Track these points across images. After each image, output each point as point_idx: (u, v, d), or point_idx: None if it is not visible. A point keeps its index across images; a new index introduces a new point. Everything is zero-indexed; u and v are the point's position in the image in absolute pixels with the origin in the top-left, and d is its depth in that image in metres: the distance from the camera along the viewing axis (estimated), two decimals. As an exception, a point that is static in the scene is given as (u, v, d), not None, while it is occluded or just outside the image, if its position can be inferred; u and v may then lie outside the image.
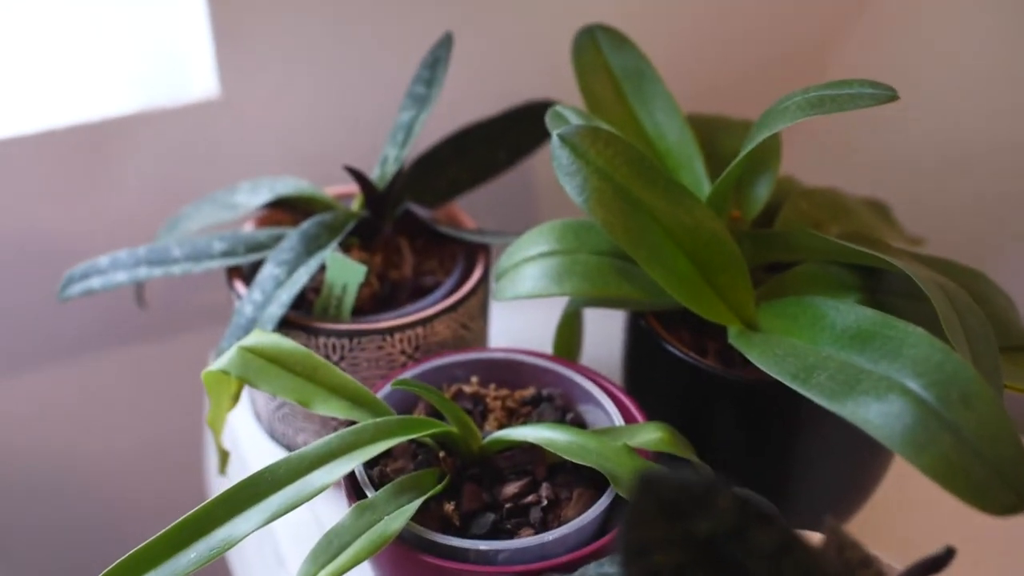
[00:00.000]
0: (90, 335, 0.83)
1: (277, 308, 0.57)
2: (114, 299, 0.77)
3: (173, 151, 0.76)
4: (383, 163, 0.64)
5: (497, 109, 0.71)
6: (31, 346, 0.80)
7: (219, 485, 0.76)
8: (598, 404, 0.55)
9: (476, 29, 0.76)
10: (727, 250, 0.52)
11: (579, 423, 0.55)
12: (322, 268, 0.59)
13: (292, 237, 0.60)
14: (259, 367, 0.53)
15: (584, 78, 0.61)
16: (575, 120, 0.56)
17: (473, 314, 0.62)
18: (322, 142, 0.79)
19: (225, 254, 0.62)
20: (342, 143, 0.78)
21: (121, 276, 0.62)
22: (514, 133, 0.70)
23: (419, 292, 0.63)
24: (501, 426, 0.55)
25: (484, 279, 0.63)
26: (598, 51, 0.62)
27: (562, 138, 0.51)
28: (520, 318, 0.77)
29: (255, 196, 0.68)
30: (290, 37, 0.74)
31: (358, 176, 0.61)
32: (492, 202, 0.86)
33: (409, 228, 0.66)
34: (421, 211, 0.66)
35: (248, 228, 0.67)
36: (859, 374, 0.44)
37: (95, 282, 0.62)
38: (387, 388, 0.55)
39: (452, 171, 0.68)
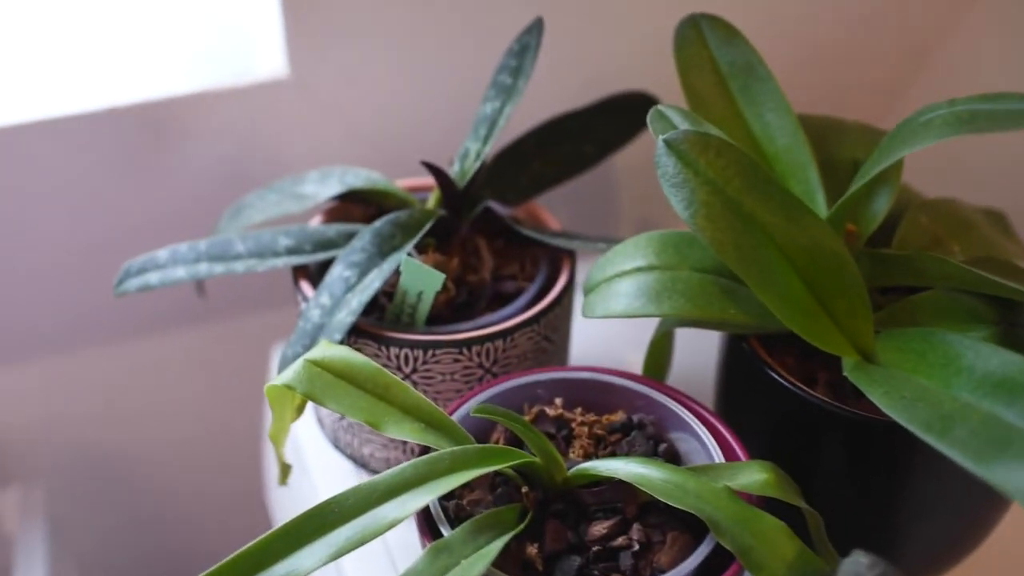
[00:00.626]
0: (148, 317, 0.79)
1: (347, 315, 0.53)
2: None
3: (238, 133, 0.72)
4: (463, 158, 0.59)
5: (582, 101, 0.66)
6: (90, 329, 0.78)
7: (280, 493, 0.72)
8: (694, 434, 0.50)
9: (565, 15, 0.71)
10: (847, 274, 0.47)
11: (672, 454, 0.51)
12: (396, 271, 0.54)
13: (364, 236, 0.56)
14: (327, 383, 0.49)
15: (687, 73, 0.56)
16: (680, 122, 0.50)
17: (556, 326, 0.57)
18: (395, 130, 0.74)
19: (291, 251, 0.58)
20: (417, 132, 0.74)
21: (180, 272, 0.58)
22: (602, 127, 0.65)
23: (498, 298, 0.58)
24: (587, 455, 0.50)
25: (569, 287, 0.58)
26: (703, 44, 0.56)
27: (669, 145, 0.46)
28: (602, 330, 0.72)
29: (324, 187, 0.63)
30: (366, 14, 0.69)
31: (437, 172, 0.57)
32: (568, 196, 0.81)
33: (488, 227, 0.61)
34: (502, 210, 0.61)
35: (316, 222, 0.63)
36: (1009, 432, 0.38)
37: (153, 277, 0.58)
38: (464, 410, 0.51)
39: (536, 166, 0.63)
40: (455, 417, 0.50)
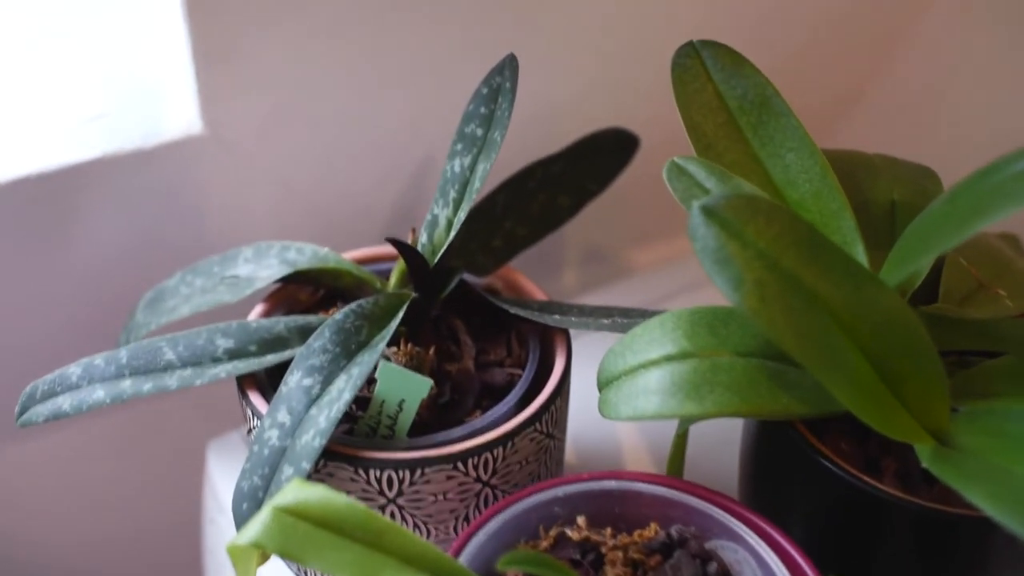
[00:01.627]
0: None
1: (315, 437, 0.43)
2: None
3: (148, 203, 0.62)
4: (430, 226, 0.50)
5: (549, 145, 0.57)
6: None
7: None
8: (745, 545, 0.42)
9: (525, 47, 0.62)
10: (922, 349, 0.40)
11: (724, 574, 0.42)
12: (370, 376, 0.45)
13: (324, 333, 0.46)
14: (305, 536, 0.39)
15: (689, 111, 0.48)
16: (705, 178, 0.42)
17: (558, 419, 0.49)
18: (335, 190, 0.65)
19: (233, 355, 0.48)
20: (361, 192, 0.64)
21: (99, 393, 0.47)
22: (577, 173, 0.57)
23: (486, 391, 0.49)
24: (625, 587, 0.42)
25: (568, 370, 0.49)
26: (707, 76, 0.48)
27: (708, 212, 0.38)
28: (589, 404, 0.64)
29: (261, 267, 0.53)
30: (293, 55, 0.59)
31: (405, 249, 0.47)
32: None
33: (461, 304, 0.52)
34: (477, 282, 0.52)
35: (257, 314, 0.53)
36: None
37: (65, 402, 0.47)
38: (474, 548, 0.41)
39: (507, 226, 0.55)
40: (464, 559, 0.41)
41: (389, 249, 0.56)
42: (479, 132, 0.49)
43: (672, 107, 0.47)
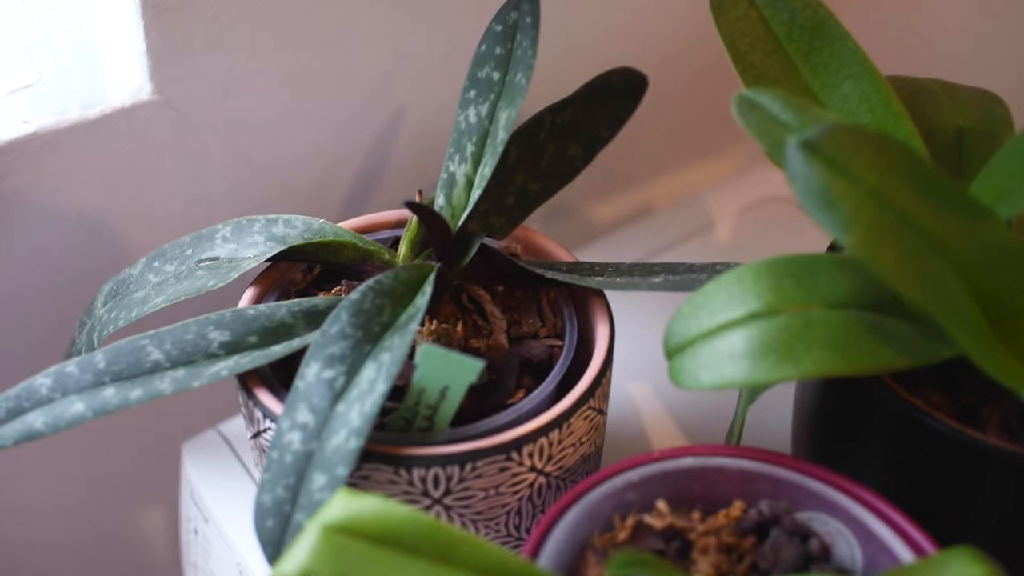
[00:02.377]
0: None
1: (350, 438, 0.37)
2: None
3: (90, 182, 0.54)
4: (446, 186, 0.44)
5: (556, 90, 0.52)
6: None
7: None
8: (845, 517, 0.38)
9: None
10: (1035, 286, 0.36)
11: (824, 549, 0.38)
12: (405, 360, 0.39)
13: (340, 317, 0.40)
14: (362, 558, 0.33)
15: (733, 39, 0.43)
16: (781, 111, 0.37)
17: (607, 392, 0.44)
18: (293, 154, 0.58)
19: (231, 349, 0.42)
20: (333, 152, 0.57)
21: (78, 407, 0.40)
22: (587, 119, 0.51)
23: (525, 368, 0.44)
24: (722, 575, 0.37)
25: (613, 336, 0.44)
26: (748, 1, 0.43)
27: (809, 148, 0.33)
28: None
29: (243, 246, 0.47)
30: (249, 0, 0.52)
31: (428, 214, 0.41)
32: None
33: (479, 271, 0.46)
34: (495, 245, 0.46)
35: (248, 299, 0.46)
36: None
37: (37, 420, 0.40)
38: (552, 549, 0.36)
39: (518, 181, 0.49)
40: (545, 561, 0.36)
41: (386, 216, 0.50)
42: (495, 75, 0.43)
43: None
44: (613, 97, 0.51)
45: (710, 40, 0.44)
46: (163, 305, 0.46)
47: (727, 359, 0.37)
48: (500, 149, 0.42)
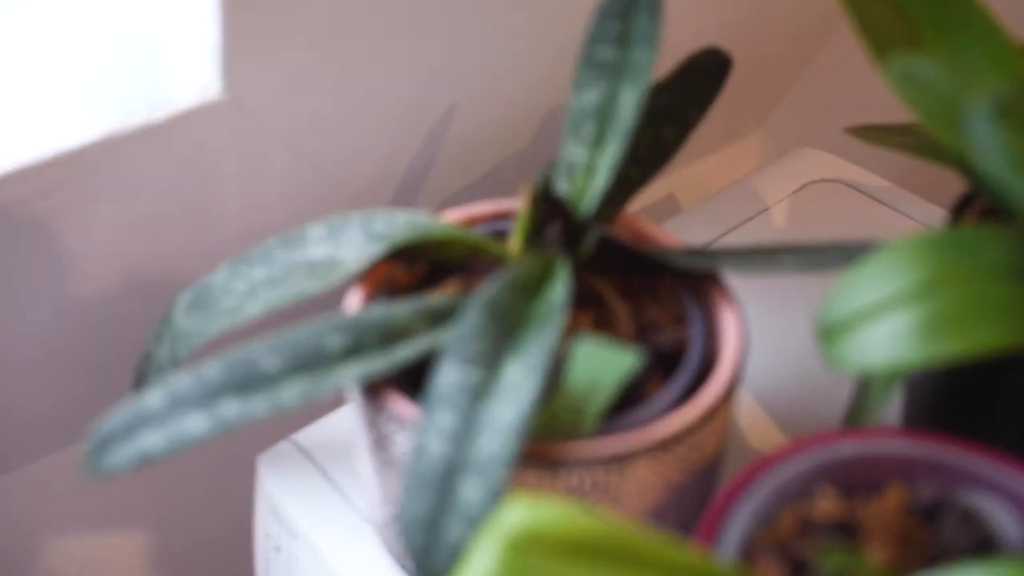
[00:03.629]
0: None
1: (499, 441, 0.35)
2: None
3: (156, 189, 0.51)
4: (568, 173, 0.42)
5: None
6: None
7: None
8: (1012, 497, 0.37)
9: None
10: None
11: (987, 534, 0.37)
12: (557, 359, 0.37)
13: (472, 315, 0.38)
14: (550, 570, 0.31)
15: (855, 2, 0.41)
16: (942, 78, 0.36)
17: (737, 379, 0.42)
18: (347, 152, 0.55)
19: (352, 353, 0.39)
20: (407, 155, 0.55)
21: (198, 422, 0.38)
22: (677, 102, 0.49)
23: (657, 360, 0.42)
24: (898, 565, 0.35)
25: (742, 320, 0.42)
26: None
27: (998, 115, 0.31)
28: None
29: (343, 246, 0.44)
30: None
31: (555, 204, 0.39)
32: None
33: (594, 262, 0.44)
34: (611, 235, 0.44)
35: (356, 302, 0.44)
36: None
37: (154, 440, 0.38)
38: (732, 543, 0.34)
39: (621, 167, 0.47)
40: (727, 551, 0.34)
41: (482, 209, 0.48)
42: (609, 55, 0.41)
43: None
44: (701, 78, 0.50)
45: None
46: (259, 313, 0.43)
47: (896, 339, 0.35)
48: (627, 132, 0.40)
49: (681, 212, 0.72)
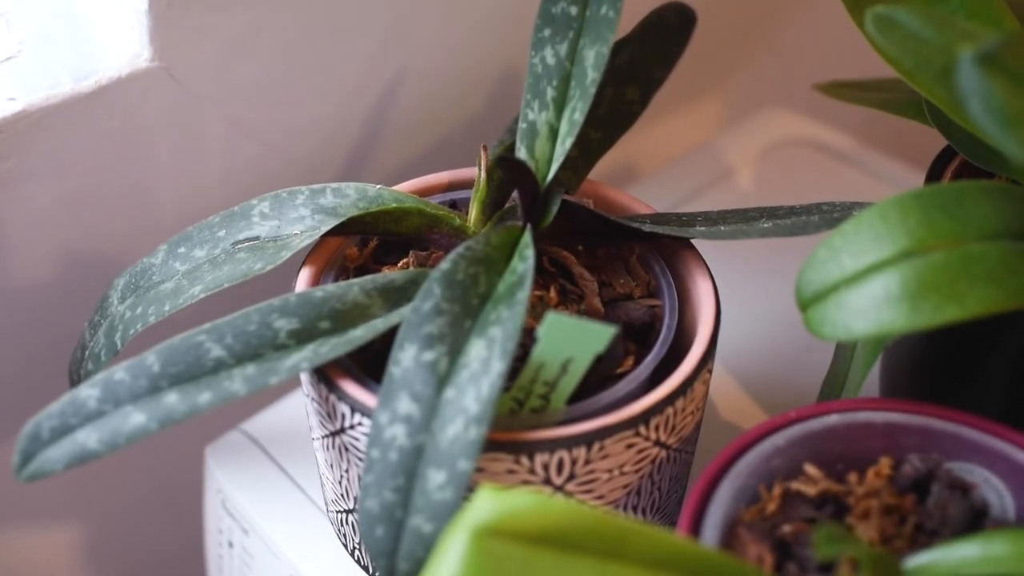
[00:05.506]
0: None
1: (469, 426, 0.33)
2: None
3: (88, 162, 0.48)
4: (527, 136, 0.39)
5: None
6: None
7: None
8: (1009, 465, 0.35)
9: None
10: None
11: (984, 505, 0.35)
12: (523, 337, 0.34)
13: (431, 292, 0.35)
14: (523, 563, 0.29)
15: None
16: (921, 26, 0.33)
17: (713, 352, 0.40)
18: (289, 121, 0.52)
19: (303, 337, 0.37)
20: (318, 120, 0.52)
21: (138, 417, 0.35)
22: (643, 60, 0.47)
23: (628, 333, 0.39)
24: (886, 539, 0.34)
25: (716, 288, 0.40)
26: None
27: (988, 61, 0.29)
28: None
29: (287, 222, 0.41)
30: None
31: (518, 169, 0.37)
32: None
33: (557, 231, 0.42)
34: (580, 203, 0.42)
35: (305, 282, 0.41)
36: None
37: (89, 438, 0.35)
38: (713, 527, 0.32)
39: (582, 130, 0.44)
40: (708, 542, 0.32)
41: (437, 178, 0.45)
42: (572, 10, 0.39)
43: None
44: (666, 35, 0.47)
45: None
46: (202, 295, 0.40)
47: (882, 303, 0.33)
48: (591, 91, 0.38)
49: (641, 178, 0.69)
